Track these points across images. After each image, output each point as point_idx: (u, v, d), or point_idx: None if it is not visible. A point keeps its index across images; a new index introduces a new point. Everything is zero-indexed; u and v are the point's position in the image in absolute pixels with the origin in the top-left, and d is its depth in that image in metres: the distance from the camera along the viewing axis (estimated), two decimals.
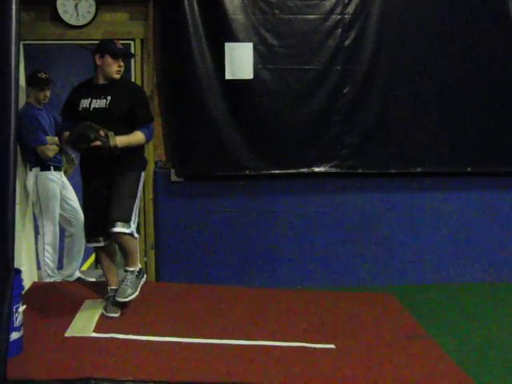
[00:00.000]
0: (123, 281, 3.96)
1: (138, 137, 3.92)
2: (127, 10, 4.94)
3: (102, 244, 4.02)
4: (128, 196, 3.91)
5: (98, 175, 3.95)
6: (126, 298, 3.91)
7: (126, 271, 3.99)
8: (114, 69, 3.92)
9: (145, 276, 4.13)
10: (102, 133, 3.72)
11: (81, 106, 3.90)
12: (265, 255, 4.39)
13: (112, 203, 3.85)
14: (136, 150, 4.00)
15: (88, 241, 4.06)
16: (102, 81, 3.96)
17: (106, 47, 3.93)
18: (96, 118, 3.81)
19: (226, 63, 4.89)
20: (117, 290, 4.00)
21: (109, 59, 3.90)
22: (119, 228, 3.81)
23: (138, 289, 3.98)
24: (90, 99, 3.90)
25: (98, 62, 3.92)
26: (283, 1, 4.91)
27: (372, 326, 4.07)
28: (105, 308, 4.03)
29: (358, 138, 5.08)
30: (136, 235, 3.95)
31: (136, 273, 3.99)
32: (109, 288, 4.10)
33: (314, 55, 4.98)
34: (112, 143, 3.75)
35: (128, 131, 3.90)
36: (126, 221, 3.84)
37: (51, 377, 3.14)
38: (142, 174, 4.06)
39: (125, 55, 4.05)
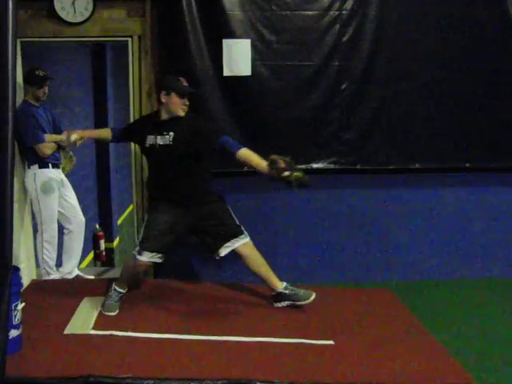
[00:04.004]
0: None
1: (254, 156, 3.89)
2: (124, 6, 4.92)
3: (158, 261, 4.03)
4: (231, 215, 4.17)
5: (185, 206, 4.03)
6: None
7: (279, 293, 4.20)
8: (180, 107, 3.92)
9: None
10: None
11: (147, 143, 3.97)
12: (263, 251, 4.39)
13: (222, 223, 4.11)
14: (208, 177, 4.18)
15: (159, 257, 4.01)
16: (165, 116, 3.97)
17: (173, 86, 3.92)
18: (162, 155, 3.94)
19: (223, 60, 4.89)
20: (122, 293, 4.07)
21: (175, 98, 3.90)
22: (244, 239, 4.13)
23: None
24: (155, 136, 3.95)
25: (163, 99, 3.91)
26: None
27: (371, 322, 4.08)
28: (103, 306, 4.03)
29: (356, 134, 5.08)
30: None
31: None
32: (117, 288, 4.09)
33: (311, 51, 4.97)
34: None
35: (192, 166, 4.01)
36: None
37: (50, 374, 3.15)
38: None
39: (191, 94, 4.03)
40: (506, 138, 5.21)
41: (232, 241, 4.11)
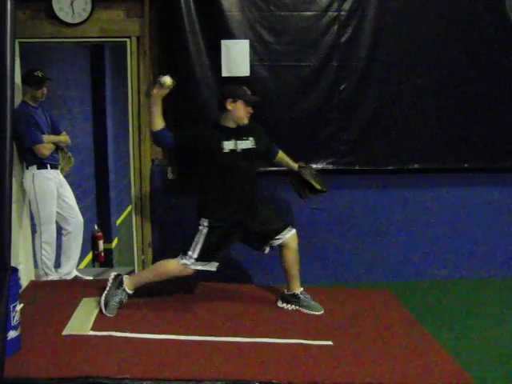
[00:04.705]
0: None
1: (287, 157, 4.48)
2: (123, 7, 4.92)
3: (213, 270, 4.10)
4: (273, 210, 4.39)
5: (244, 213, 4.10)
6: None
7: (294, 295, 4.28)
8: (245, 115, 4.01)
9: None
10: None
11: (226, 148, 3.98)
12: (265, 254, 4.42)
13: (271, 220, 4.21)
14: None
15: (214, 265, 4.10)
16: (232, 124, 4.03)
17: (240, 93, 4.00)
18: (244, 158, 4.02)
19: (222, 60, 4.88)
20: (130, 294, 4.07)
21: (241, 105, 3.98)
22: (292, 229, 4.23)
23: None
24: (233, 141, 4.00)
25: (229, 106, 3.98)
26: None
27: (369, 323, 4.08)
28: (106, 305, 4.00)
29: (354, 134, 5.08)
30: None
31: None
32: (127, 289, 4.07)
33: (310, 52, 4.97)
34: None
35: (256, 169, 4.26)
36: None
37: (49, 375, 3.15)
38: None
39: (256, 103, 4.10)
40: (505, 139, 5.21)
41: (282, 233, 4.19)
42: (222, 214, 4.04)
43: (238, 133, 4.03)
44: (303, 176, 4.43)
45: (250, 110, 4.03)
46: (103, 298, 4.03)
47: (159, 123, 4.03)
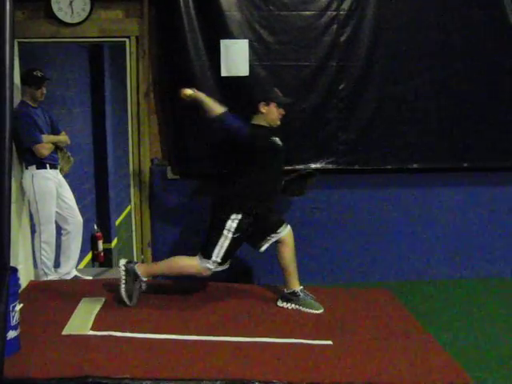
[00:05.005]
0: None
1: None
2: (122, 7, 4.91)
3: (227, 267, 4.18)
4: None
5: (262, 210, 4.18)
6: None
7: (293, 293, 4.26)
8: (278, 117, 4.15)
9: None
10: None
11: (278, 142, 4.17)
12: (261, 252, 4.41)
13: (269, 216, 4.24)
14: None
15: (228, 263, 4.17)
16: (265, 124, 4.15)
17: (272, 96, 4.19)
18: (281, 156, 4.24)
19: (221, 60, 4.88)
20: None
21: (274, 108, 4.12)
22: (287, 226, 4.28)
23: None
24: (273, 137, 4.17)
25: (263, 109, 4.12)
26: None
27: (369, 322, 4.08)
28: (129, 297, 4.06)
29: (354, 134, 5.08)
30: None
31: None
32: (144, 279, 4.12)
33: (309, 51, 4.96)
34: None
35: None
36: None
37: (48, 375, 3.14)
38: None
39: (285, 104, 4.22)
40: (504, 138, 5.21)
41: (279, 229, 4.24)
42: (257, 204, 4.10)
43: (272, 132, 4.16)
44: (288, 178, 4.55)
45: (281, 111, 4.14)
46: (123, 291, 4.06)
47: (218, 107, 4.09)
